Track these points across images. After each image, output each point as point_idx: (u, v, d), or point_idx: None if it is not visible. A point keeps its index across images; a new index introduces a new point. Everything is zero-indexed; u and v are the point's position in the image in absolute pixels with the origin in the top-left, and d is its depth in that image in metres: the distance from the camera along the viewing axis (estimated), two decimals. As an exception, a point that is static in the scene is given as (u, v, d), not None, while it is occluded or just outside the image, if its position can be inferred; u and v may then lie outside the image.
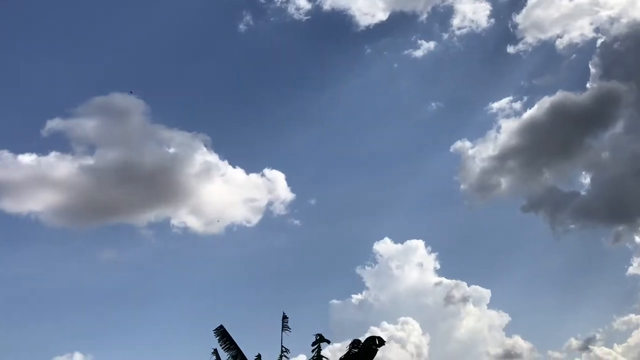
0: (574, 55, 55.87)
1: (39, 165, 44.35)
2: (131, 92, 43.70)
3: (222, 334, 18.45)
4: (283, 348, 18.61)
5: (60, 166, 44.79)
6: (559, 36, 54.95)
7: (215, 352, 18.21)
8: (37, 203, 44.69)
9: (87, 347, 43.27)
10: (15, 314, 43.45)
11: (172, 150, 47.77)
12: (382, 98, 62.43)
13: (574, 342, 47.43)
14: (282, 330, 18.82)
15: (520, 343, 47.01)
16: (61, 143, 49.76)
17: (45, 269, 46.31)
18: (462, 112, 62.06)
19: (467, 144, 55.19)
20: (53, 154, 46.09)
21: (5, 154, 43.66)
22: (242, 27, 55.69)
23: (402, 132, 62.40)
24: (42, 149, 51.23)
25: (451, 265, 54.09)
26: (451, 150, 56.17)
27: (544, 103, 52.54)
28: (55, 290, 45.76)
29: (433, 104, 59.19)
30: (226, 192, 49.34)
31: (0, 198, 44.69)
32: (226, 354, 18.21)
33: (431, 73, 61.57)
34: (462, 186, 56.37)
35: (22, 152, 46.01)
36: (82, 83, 53.14)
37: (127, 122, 46.85)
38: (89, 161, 45.09)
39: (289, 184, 50.76)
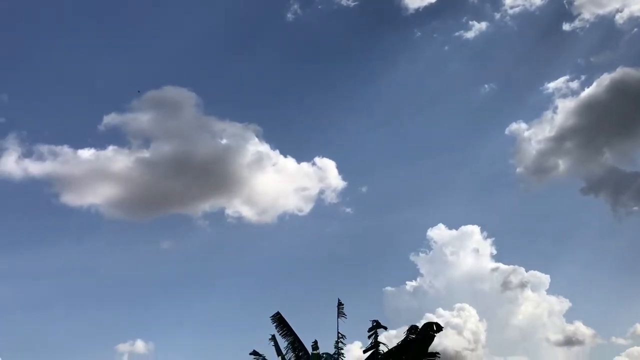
0: (635, 30, 53.38)
1: (97, 159, 45.78)
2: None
3: (279, 320, 18.62)
4: (339, 334, 18.63)
5: (118, 160, 46.09)
6: (619, 10, 52.61)
7: (274, 338, 18.41)
8: (97, 196, 46.16)
9: (148, 334, 44.65)
10: (79, 303, 45.14)
11: (224, 141, 48.42)
12: (433, 81, 61.38)
13: (640, 328, 45.76)
14: (337, 317, 18.83)
15: (582, 329, 45.75)
16: (118, 137, 51.21)
17: (107, 260, 47.88)
18: (516, 93, 60.35)
19: (523, 125, 53.80)
20: (111, 148, 47.45)
21: (66, 149, 45.22)
22: (290, 16, 55.69)
23: (454, 116, 61.15)
24: (100, 144, 52.74)
25: (508, 250, 52.96)
26: (506, 132, 54.87)
27: (603, 80, 50.56)
28: (116, 279, 47.25)
29: (486, 86, 57.83)
30: (278, 182, 49.72)
31: (62, 192, 46.36)
32: (284, 340, 18.41)
33: (483, 54, 60.06)
34: (518, 169, 55.04)
35: (82, 147, 47.62)
36: (136, 78, 54.43)
37: (180, 115, 47.75)
38: (145, 154, 46.23)
39: (340, 172, 50.65)
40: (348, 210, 51.78)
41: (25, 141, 45.05)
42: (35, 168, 43.31)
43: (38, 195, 45.66)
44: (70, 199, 45.84)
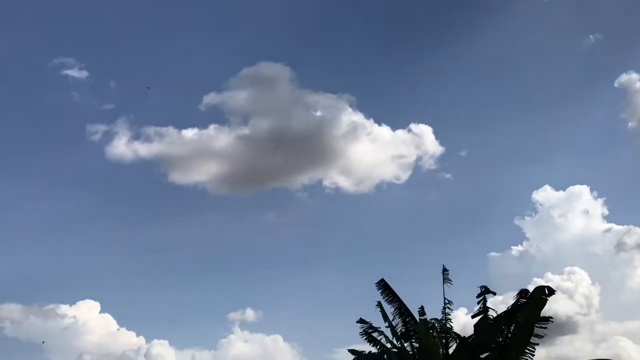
0: None
1: (200, 138, 47.52)
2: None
3: (384, 287, 18.67)
4: (446, 300, 18.48)
5: (219, 138, 47.62)
6: None
7: (379, 304, 18.52)
8: (202, 174, 48.13)
9: (257, 303, 46.36)
10: (191, 275, 47.60)
11: (318, 113, 48.68)
12: (533, 37, 58.36)
13: None
14: (443, 283, 18.65)
15: None
16: (218, 116, 52.78)
17: (214, 234, 50.07)
18: (626, 42, 56.08)
19: (634, 76, 49.96)
20: (212, 126, 49.02)
21: (171, 130, 47.28)
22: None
23: (558, 71, 57.96)
24: (201, 123, 54.61)
25: (621, 210, 50.27)
26: (615, 85, 51.22)
27: None
28: (224, 252, 49.38)
29: (591, 37, 54.24)
30: (374, 151, 49.48)
31: (170, 171, 48.78)
32: (389, 306, 18.48)
33: (587, 3, 56.32)
34: (630, 123, 51.59)
35: (185, 127, 49.54)
36: (231, 56, 55.67)
37: (275, 90, 48.51)
38: (245, 131, 47.43)
39: (437, 137, 49.51)
40: (447, 176, 50.77)
41: (133, 124, 47.67)
42: (143, 149, 45.84)
43: (148, 175, 48.38)
44: (178, 177, 48.28)
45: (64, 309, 39.15)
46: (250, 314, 42.80)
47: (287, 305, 45.03)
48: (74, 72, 45.27)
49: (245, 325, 43.84)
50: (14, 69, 47.81)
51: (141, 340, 39.11)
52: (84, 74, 45.43)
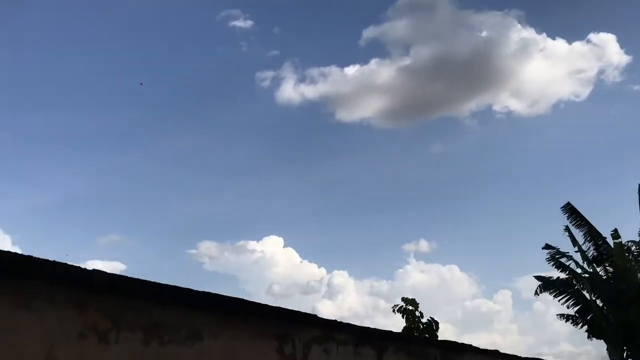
0: None
1: (362, 74, 47.41)
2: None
3: (571, 210, 17.77)
4: (643, 222, 17.16)
5: (381, 71, 47.12)
6: None
7: (567, 229, 17.69)
8: (366, 110, 48.34)
9: (430, 234, 46.42)
10: (364, 209, 48.71)
11: (484, 34, 45.91)
12: None
13: None
14: (639, 203, 17.31)
15: None
16: (378, 49, 52.05)
17: (383, 168, 50.35)
18: None
19: None
20: (373, 61, 48.78)
21: (334, 69, 47.79)
22: None
23: None
24: (362, 59, 54.41)
25: None
26: None
27: None
28: (394, 186, 49.57)
29: None
30: (548, 68, 45.70)
31: (336, 110, 49.75)
32: (578, 230, 17.59)
33: None
34: None
35: (347, 64, 49.86)
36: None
37: (435, 15, 46.59)
38: (406, 61, 46.38)
39: (622, 46, 44.20)
40: (636, 87, 45.40)
41: (298, 67, 48.96)
42: (310, 91, 46.92)
43: (316, 116, 49.71)
44: (344, 115, 48.84)
45: (252, 244, 42.61)
46: (424, 244, 43.12)
47: (462, 236, 44.52)
48: (240, 23, 47.41)
49: (420, 256, 44.33)
50: (186, 25, 51.36)
51: (322, 271, 41.49)
52: (249, 23, 47.42)
